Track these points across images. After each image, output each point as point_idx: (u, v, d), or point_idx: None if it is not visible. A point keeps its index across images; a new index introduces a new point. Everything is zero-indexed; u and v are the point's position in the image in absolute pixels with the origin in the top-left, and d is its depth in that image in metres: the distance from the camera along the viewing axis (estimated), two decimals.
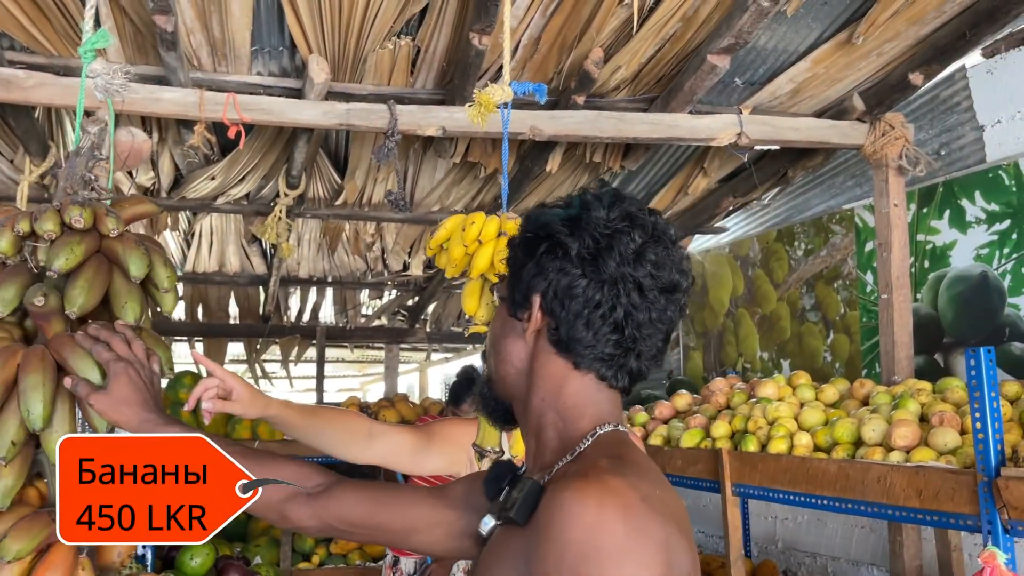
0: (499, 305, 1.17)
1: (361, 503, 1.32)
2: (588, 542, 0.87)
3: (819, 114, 3.57)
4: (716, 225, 4.94)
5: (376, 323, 6.59)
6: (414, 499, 1.31)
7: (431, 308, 6.41)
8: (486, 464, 2.04)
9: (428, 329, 6.64)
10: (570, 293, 1.05)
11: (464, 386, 3.90)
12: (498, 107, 2.15)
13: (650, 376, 1.15)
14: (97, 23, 2.86)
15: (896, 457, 2.45)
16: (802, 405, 3.26)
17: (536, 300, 1.08)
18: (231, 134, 2.98)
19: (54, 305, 1.61)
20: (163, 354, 1.69)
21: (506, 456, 2.07)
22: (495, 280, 2.04)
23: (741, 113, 3.39)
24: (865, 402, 3.13)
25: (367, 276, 5.67)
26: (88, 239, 1.66)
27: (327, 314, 6.45)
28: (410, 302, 6.41)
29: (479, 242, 1.97)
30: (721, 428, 3.30)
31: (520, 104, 3.27)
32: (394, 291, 6.20)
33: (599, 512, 0.89)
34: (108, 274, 1.68)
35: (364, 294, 6.21)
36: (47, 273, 1.63)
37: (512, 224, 2.00)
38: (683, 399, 3.83)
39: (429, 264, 5.36)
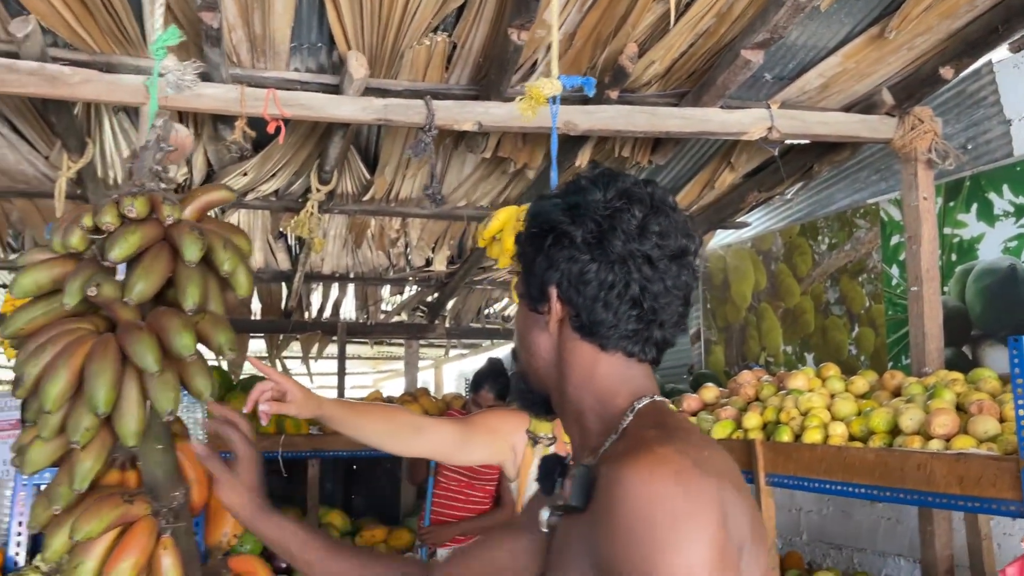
0: (519, 301, 1.20)
1: (461, 570, 1.36)
2: (645, 514, 0.90)
3: (847, 109, 3.60)
4: (739, 220, 4.97)
5: (395, 319, 6.63)
6: (496, 540, 1.35)
7: (450, 304, 6.44)
8: (539, 450, 2.08)
9: (447, 325, 6.68)
10: (583, 279, 1.08)
11: (486, 375, 4.10)
12: (547, 100, 2.19)
13: (676, 343, 1.18)
14: (140, 20, 2.91)
15: (936, 445, 2.49)
16: (832, 396, 3.30)
17: (553, 292, 1.10)
18: (271, 129, 3.02)
19: (109, 294, 1.64)
20: (225, 336, 1.71)
21: (558, 441, 2.11)
22: None
23: (770, 108, 3.42)
24: (896, 394, 3.15)
25: (389, 272, 5.71)
26: (145, 228, 1.68)
27: (348, 310, 6.50)
28: (429, 298, 6.45)
29: None
30: (753, 419, 3.33)
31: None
32: (414, 287, 6.24)
33: (651, 483, 0.91)
34: (169, 261, 1.69)
35: (385, 290, 6.24)
36: (104, 263, 1.67)
37: None
38: (710, 392, 3.87)
39: (452, 260, 5.40)
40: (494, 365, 4.29)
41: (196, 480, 1.84)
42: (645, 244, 1.07)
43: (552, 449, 2.09)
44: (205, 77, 3.02)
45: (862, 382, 3.36)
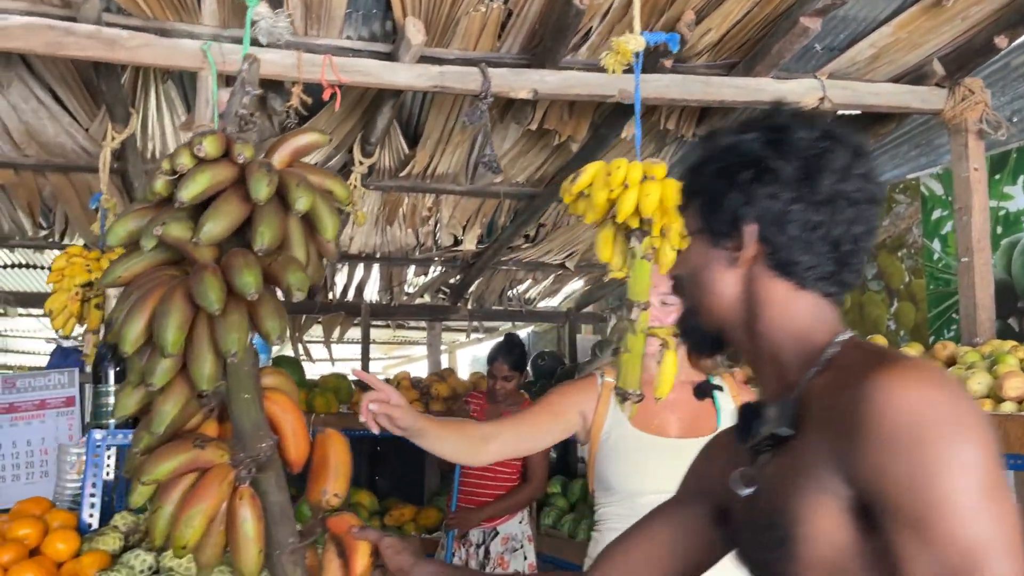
0: (693, 238, 1.18)
1: (618, 556, 1.33)
2: (916, 420, 0.88)
3: (896, 80, 3.59)
4: None
5: (418, 301, 6.61)
6: (653, 522, 1.32)
7: (475, 285, 6.42)
8: (628, 407, 2.07)
9: (469, 307, 6.67)
10: (787, 218, 1.06)
11: (501, 348, 4.34)
12: (634, 55, 2.17)
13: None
14: None
15: (1008, 407, 2.49)
16: None
17: (749, 229, 1.08)
18: (326, 96, 3.00)
19: (177, 234, 1.60)
20: (295, 277, 1.65)
21: (646, 398, 2.10)
22: (636, 225, 2.07)
23: (821, 79, 3.41)
24: (949, 363, 3.16)
25: (415, 252, 5.69)
26: (217, 168, 1.63)
27: (370, 292, 6.47)
28: (453, 280, 6.43)
29: (625, 186, 1.99)
30: None
31: None
32: (438, 268, 6.21)
33: (917, 389, 0.90)
34: (244, 202, 1.64)
35: (410, 271, 6.22)
36: (175, 204, 1.63)
37: (659, 169, 2.02)
38: None
39: (482, 239, 5.38)
40: (510, 338, 4.48)
41: (293, 435, 1.82)
42: (850, 186, 1.06)
43: (639, 405, 2.09)
44: (260, 44, 3.01)
45: (911, 352, 3.37)
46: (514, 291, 6.62)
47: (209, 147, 1.63)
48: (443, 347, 9.80)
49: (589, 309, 7.02)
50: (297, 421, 1.86)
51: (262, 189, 1.59)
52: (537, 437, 2.38)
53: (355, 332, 6.96)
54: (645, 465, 2.31)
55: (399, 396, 1.99)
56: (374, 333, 8.32)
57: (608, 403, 2.40)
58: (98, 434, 2.32)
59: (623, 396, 2.05)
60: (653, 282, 2.13)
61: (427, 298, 6.63)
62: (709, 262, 1.14)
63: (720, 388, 2.38)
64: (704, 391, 2.01)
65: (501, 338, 4.57)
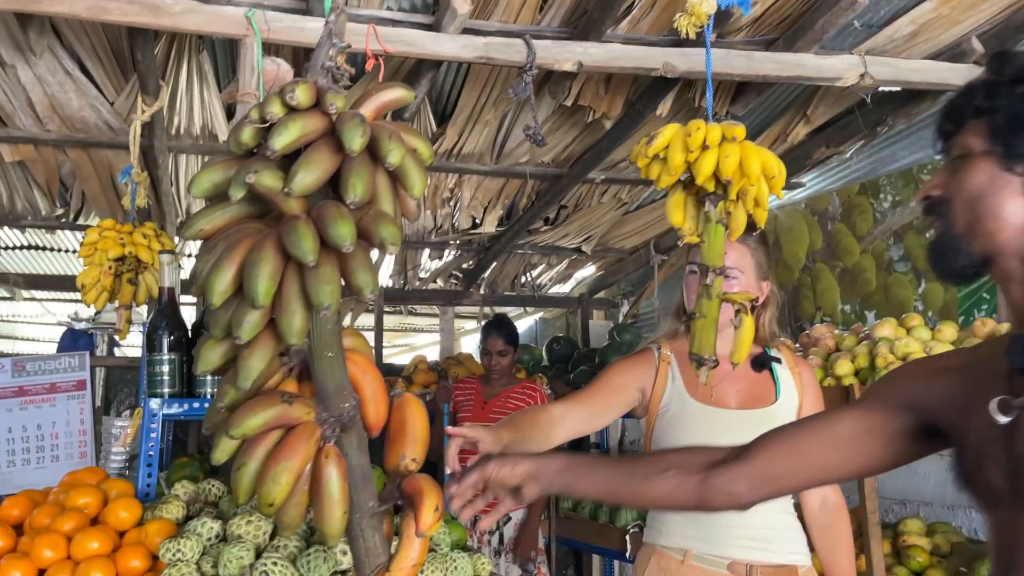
0: (973, 159, 1.16)
1: (786, 440, 1.32)
2: None
3: (933, 58, 3.58)
4: (792, 181, 4.95)
5: (431, 286, 6.57)
6: (832, 418, 1.32)
7: (489, 270, 6.38)
8: (703, 373, 2.05)
9: (482, 292, 6.63)
10: None
11: (494, 324, 4.59)
12: (707, 18, 2.15)
13: None
14: None
15: None
16: (924, 344, 3.30)
17: None
18: (369, 66, 2.96)
19: (269, 183, 1.56)
20: (388, 231, 1.62)
21: (721, 362, 2.08)
22: (711, 189, 2.04)
23: (863, 55, 3.40)
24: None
25: (432, 235, 5.65)
26: (308, 118, 1.60)
27: (384, 275, 6.42)
28: (466, 264, 6.39)
29: (705, 147, 1.97)
30: (844, 367, 3.33)
31: (651, 42, 3.28)
32: (453, 252, 6.17)
33: None
34: (335, 154, 1.61)
35: (424, 255, 6.17)
36: (266, 154, 1.59)
37: (739, 130, 2.00)
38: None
39: (501, 222, 5.34)
40: (500, 317, 4.74)
41: (373, 397, 1.78)
42: None
43: (698, 377, 2.07)
44: (305, 11, 2.97)
45: (950, 330, 3.37)
46: (527, 276, 6.59)
47: (302, 95, 1.59)
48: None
49: (601, 295, 7.00)
50: (377, 383, 1.83)
51: (356, 139, 1.56)
52: (600, 415, 2.36)
53: (365, 319, 6.92)
54: (705, 436, 2.29)
55: (482, 431, 1.94)
56: (384, 320, 8.28)
57: (666, 376, 2.39)
58: (154, 403, 2.27)
59: (699, 362, 2.02)
60: (725, 248, 2.12)
61: (440, 283, 6.59)
62: (997, 186, 1.12)
63: (779, 360, 2.36)
64: (762, 363, 2.04)
65: (496, 316, 4.78)
